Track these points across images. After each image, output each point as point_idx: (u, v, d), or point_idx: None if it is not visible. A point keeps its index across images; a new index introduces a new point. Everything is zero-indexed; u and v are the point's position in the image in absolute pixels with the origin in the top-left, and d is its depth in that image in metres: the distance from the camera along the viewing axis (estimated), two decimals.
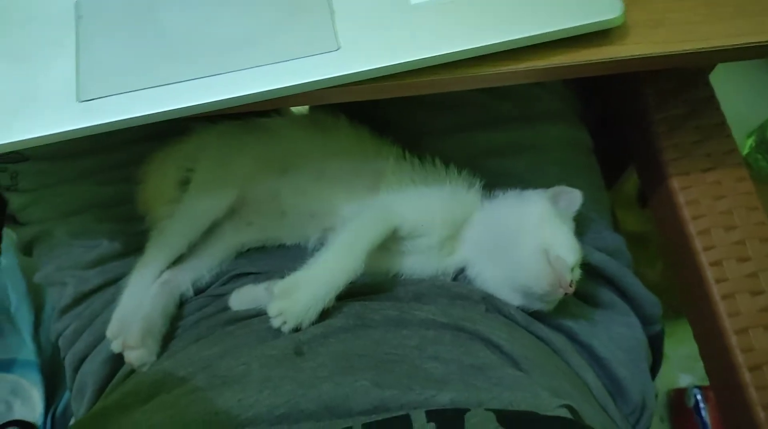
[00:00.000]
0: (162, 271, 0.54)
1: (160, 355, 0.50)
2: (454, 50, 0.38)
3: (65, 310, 0.59)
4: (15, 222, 0.63)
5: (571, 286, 0.48)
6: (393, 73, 0.39)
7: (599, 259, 0.57)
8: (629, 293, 0.58)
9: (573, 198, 0.54)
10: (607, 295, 0.58)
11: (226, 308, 0.52)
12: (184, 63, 0.39)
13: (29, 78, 0.38)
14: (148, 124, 0.38)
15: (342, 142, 0.55)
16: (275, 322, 0.43)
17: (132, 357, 0.49)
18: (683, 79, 0.60)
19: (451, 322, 0.45)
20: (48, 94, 0.37)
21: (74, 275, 0.58)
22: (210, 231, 0.56)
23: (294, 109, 0.66)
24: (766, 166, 0.93)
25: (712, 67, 0.63)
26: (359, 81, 0.39)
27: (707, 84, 0.61)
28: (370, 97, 0.41)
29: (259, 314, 0.48)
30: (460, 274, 0.54)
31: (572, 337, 0.52)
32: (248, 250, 0.57)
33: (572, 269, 0.49)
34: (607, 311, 0.57)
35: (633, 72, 0.44)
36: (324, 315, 0.45)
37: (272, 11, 0.40)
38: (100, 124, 0.37)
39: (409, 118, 0.59)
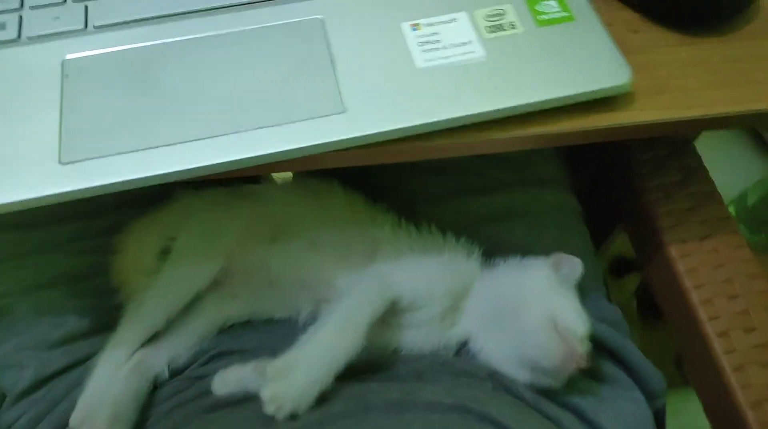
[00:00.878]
0: (135, 351, 0.49)
1: None
2: (464, 114, 0.37)
3: (21, 396, 0.52)
4: None
5: (583, 359, 0.45)
6: (402, 136, 0.37)
7: (601, 330, 0.54)
8: (632, 366, 0.56)
9: (573, 265, 0.52)
10: (610, 368, 0.55)
11: (208, 392, 0.47)
12: (176, 124, 0.37)
13: (9, 137, 0.35)
14: (132, 190, 0.35)
15: (336, 209, 0.53)
16: (269, 408, 0.39)
17: None
18: (674, 148, 0.61)
19: (457, 403, 0.41)
20: (28, 155, 0.34)
21: (35, 356, 0.52)
22: (190, 305, 0.52)
23: (280, 175, 0.64)
24: (749, 235, 0.94)
25: (696, 136, 0.64)
26: (365, 145, 0.37)
27: (695, 152, 0.62)
28: (373, 161, 0.39)
29: (245, 399, 0.43)
30: (462, 347, 0.50)
31: (580, 415, 0.49)
32: (232, 325, 0.52)
33: (582, 340, 0.47)
34: (611, 386, 0.54)
35: (625, 139, 0.43)
36: (321, 398, 0.40)
37: (274, 73, 0.38)
38: (82, 189, 0.34)
39: (402, 184, 0.58)
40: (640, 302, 1.05)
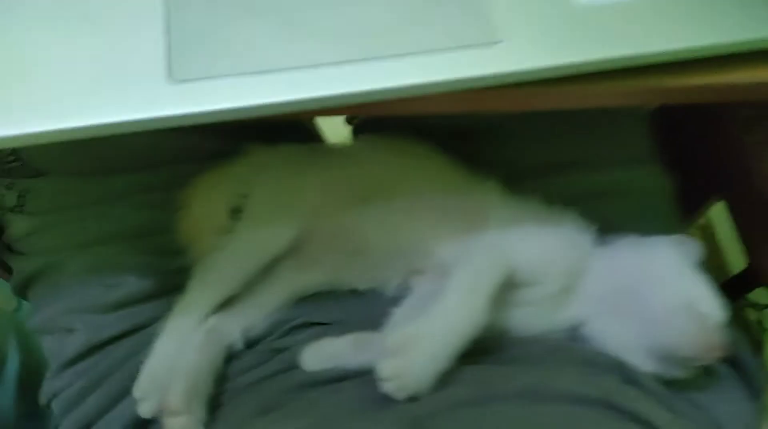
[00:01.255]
0: (207, 317, 0.44)
1: (207, 426, 0.39)
2: (639, 52, 0.32)
3: (68, 365, 0.47)
4: (10, 252, 0.51)
5: (723, 348, 0.40)
6: (568, 74, 0.31)
7: None
8: (741, 361, 0.51)
9: (692, 249, 0.47)
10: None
11: (293, 366, 0.41)
12: (303, 46, 0.31)
13: (111, 50, 0.29)
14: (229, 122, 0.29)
15: (435, 172, 0.47)
16: (389, 387, 0.33)
17: (175, 425, 0.37)
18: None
19: (600, 395, 0.36)
20: (134, 71, 0.28)
21: (87, 320, 0.46)
22: (266, 270, 0.46)
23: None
24: None
25: None
26: (521, 82, 0.31)
27: None
28: (530, 105, 0.33)
29: (344, 377, 0.38)
30: (573, 333, 0.45)
31: (708, 414, 0.44)
32: (312, 295, 0.47)
33: (720, 327, 0.41)
34: (722, 382, 0.49)
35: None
36: (442, 381, 0.35)
37: None
38: (197, 113, 0.28)
39: (498, 153, 0.52)
40: None
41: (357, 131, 0.62)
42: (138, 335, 0.45)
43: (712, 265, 0.56)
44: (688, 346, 0.40)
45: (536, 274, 0.42)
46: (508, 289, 0.42)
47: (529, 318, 0.43)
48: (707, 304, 0.41)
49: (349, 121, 0.65)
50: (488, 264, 0.40)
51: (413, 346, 0.34)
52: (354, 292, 0.47)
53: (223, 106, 0.28)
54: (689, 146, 0.66)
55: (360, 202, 0.46)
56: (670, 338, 0.41)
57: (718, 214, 0.75)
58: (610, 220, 0.51)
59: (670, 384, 0.43)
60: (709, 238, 0.92)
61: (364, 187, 0.47)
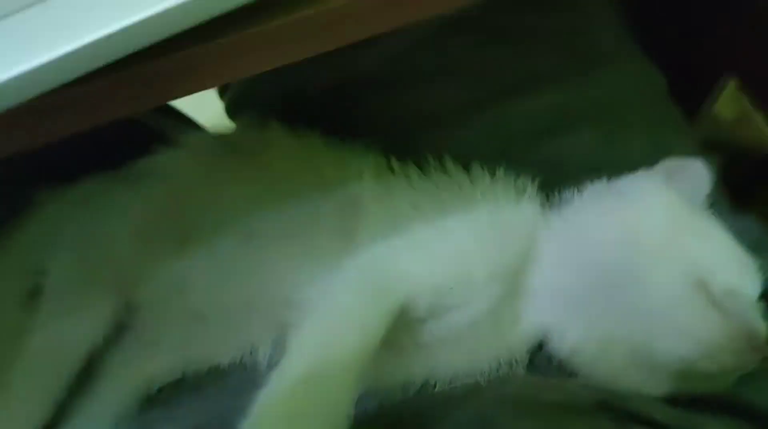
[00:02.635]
0: None
1: None
2: None
3: None
4: None
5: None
6: None
7: None
8: None
9: (695, 174, 0.30)
10: None
11: None
12: None
13: None
14: None
15: (282, 167, 0.32)
16: None
17: None
18: None
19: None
20: None
21: None
22: (88, 369, 0.32)
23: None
24: None
25: None
26: None
27: None
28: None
29: None
30: (537, 352, 0.29)
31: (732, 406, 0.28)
32: (161, 389, 0.32)
33: (757, 307, 0.26)
34: None
35: None
36: None
37: None
38: None
39: (389, 105, 0.36)
40: None
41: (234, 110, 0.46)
42: None
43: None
44: (711, 353, 0.24)
45: (447, 294, 0.26)
46: (414, 323, 0.27)
47: (465, 355, 0.28)
48: (728, 272, 0.26)
49: (221, 93, 0.49)
50: (355, 305, 0.25)
51: None
52: (217, 373, 0.32)
53: None
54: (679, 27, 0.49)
55: (184, 241, 0.31)
56: (681, 345, 0.25)
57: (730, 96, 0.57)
58: (589, 156, 0.35)
59: None
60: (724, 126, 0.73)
61: (187, 217, 0.32)
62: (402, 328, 0.26)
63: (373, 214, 0.28)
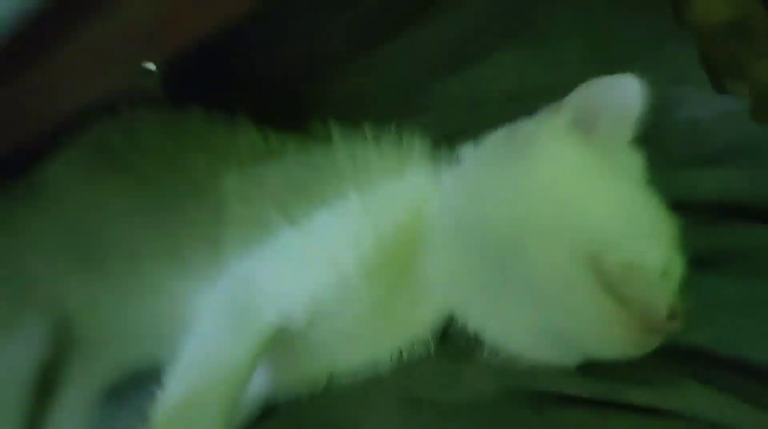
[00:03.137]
0: None
1: None
2: None
3: None
4: None
5: (675, 321, 0.21)
6: None
7: None
8: None
9: (621, 93, 0.25)
10: None
11: None
12: None
13: None
14: None
15: (149, 170, 0.29)
16: None
17: None
18: None
19: None
20: None
21: None
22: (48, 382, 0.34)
23: None
24: None
25: None
26: None
27: None
28: None
29: None
30: (449, 328, 0.27)
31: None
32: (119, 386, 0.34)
33: (665, 276, 0.22)
34: None
35: None
36: None
37: None
38: None
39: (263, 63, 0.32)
40: None
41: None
42: None
43: None
44: (602, 343, 0.22)
45: (321, 306, 0.24)
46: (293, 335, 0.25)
47: (361, 349, 0.26)
48: (626, 242, 0.22)
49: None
50: (220, 337, 0.23)
51: None
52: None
53: None
54: None
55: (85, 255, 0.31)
56: (572, 328, 0.22)
57: None
58: (505, 68, 0.30)
59: None
60: None
61: (83, 233, 0.31)
62: (287, 337, 0.25)
63: (238, 218, 0.26)
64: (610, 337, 0.22)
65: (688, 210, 0.29)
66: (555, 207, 0.23)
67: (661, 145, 0.30)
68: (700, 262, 0.29)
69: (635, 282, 0.21)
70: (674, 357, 0.26)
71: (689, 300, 0.27)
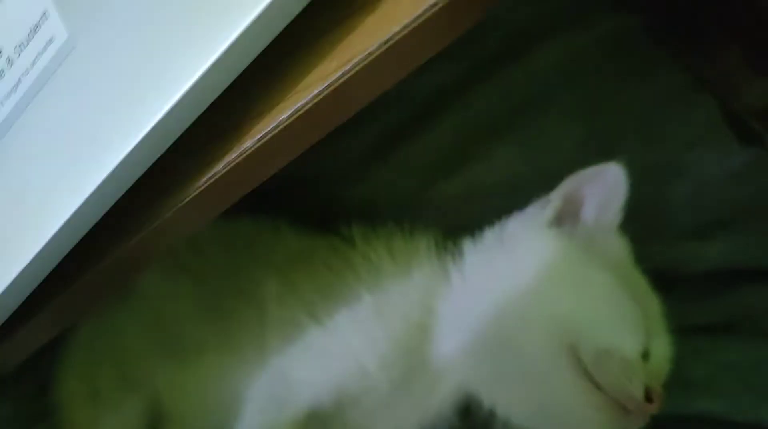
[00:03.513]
0: None
1: None
2: None
3: None
4: None
5: (652, 401, 0.23)
6: None
7: None
8: None
9: (605, 182, 0.28)
10: None
11: None
12: None
13: None
14: None
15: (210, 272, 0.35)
16: None
17: None
18: None
19: None
20: None
21: None
22: None
23: None
24: None
25: None
26: None
27: None
28: None
29: None
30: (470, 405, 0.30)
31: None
32: None
33: (646, 358, 0.24)
34: None
35: None
36: None
37: None
38: None
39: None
40: None
41: None
42: None
43: None
44: (583, 421, 0.24)
45: (346, 390, 0.29)
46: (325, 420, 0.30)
47: (388, 426, 0.30)
48: (602, 334, 0.24)
49: None
50: (262, 423, 0.28)
51: None
52: None
53: None
54: None
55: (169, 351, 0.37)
56: (561, 417, 0.25)
57: None
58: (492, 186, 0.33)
59: None
60: None
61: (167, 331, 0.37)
62: (320, 423, 0.29)
63: (277, 319, 0.31)
64: (590, 419, 0.24)
65: (693, 280, 0.30)
66: (536, 301, 0.26)
67: (665, 216, 0.32)
68: (711, 330, 0.30)
69: (609, 368, 0.24)
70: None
71: (703, 367, 0.29)
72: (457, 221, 0.31)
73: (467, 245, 0.30)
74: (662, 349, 0.25)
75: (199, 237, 0.37)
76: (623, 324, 0.25)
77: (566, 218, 0.28)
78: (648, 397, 0.23)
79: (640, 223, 0.31)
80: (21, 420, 0.45)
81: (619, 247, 0.27)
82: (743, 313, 0.30)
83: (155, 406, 0.40)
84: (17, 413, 0.44)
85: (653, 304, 0.26)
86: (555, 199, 0.28)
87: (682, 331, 0.30)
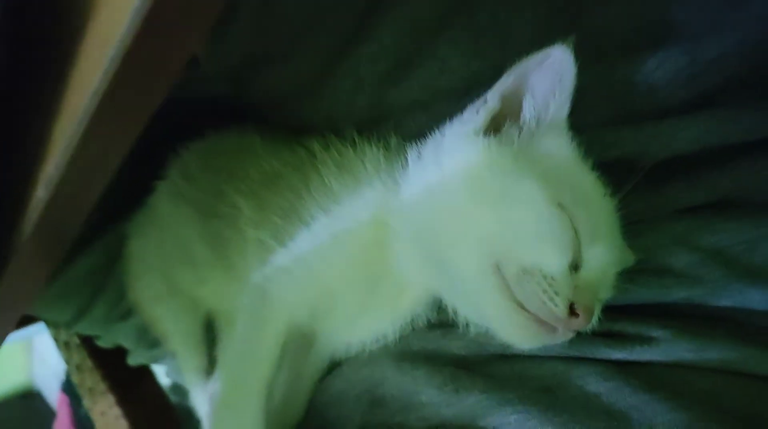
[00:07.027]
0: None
1: None
2: None
3: None
4: None
5: (577, 315, 0.22)
6: None
7: None
8: None
9: (555, 66, 0.24)
10: None
11: None
12: None
13: None
14: None
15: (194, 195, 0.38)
16: None
17: None
18: None
19: None
20: None
21: None
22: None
23: None
24: None
25: None
26: None
27: None
28: None
29: None
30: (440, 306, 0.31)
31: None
32: None
33: (576, 269, 0.23)
34: None
35: None
36: None
37: None
38: None
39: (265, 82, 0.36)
40: None
41: None
42: None
43: None
44: (513, 338, 0.24)
45: (318, 305, 0.30)
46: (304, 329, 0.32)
47: (366, 328, 0.32)
48: (528, 252, 0.23)
49: None
50: (246, 335, 0.31)
51: None
52: None
53: None
54: None
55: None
56: (493, 326, 0.25)
57: None
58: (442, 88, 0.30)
59: None
60: None
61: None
62: (300, 331, 0.32)
63: (252, 239, 0.32)
64: (514, 333, 0.24)
65: (672, 162, 0.27)
66: (463, 219, 0.25)
67: (639, 94, 0.27)
68: (699, 212, 0.27)
69: (530, 287, 0.23)
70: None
71: (686, 255, 0.26)
72: (413, 132, 0.29)
73: (411, 156, 0.28)
74: (602, 256, 0.23)
75: (189, 162, 0.39)
76: (548, 239, 0.23)
77: (507, 119, 0.25)
78: (573, 312, 0.22)
79: (608, 105, 0.27)
80: (113, 317, 0.53)
81: (563, 147, 0.24)
82: (735, 191, 0.26)
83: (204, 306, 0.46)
84: (110, 312, 0.53)
85: (599, 207, 0.24)
86: (491, 99, 0.25)
87: (661, 218, 0.27)
